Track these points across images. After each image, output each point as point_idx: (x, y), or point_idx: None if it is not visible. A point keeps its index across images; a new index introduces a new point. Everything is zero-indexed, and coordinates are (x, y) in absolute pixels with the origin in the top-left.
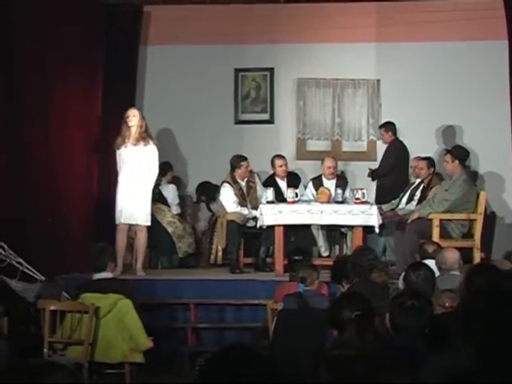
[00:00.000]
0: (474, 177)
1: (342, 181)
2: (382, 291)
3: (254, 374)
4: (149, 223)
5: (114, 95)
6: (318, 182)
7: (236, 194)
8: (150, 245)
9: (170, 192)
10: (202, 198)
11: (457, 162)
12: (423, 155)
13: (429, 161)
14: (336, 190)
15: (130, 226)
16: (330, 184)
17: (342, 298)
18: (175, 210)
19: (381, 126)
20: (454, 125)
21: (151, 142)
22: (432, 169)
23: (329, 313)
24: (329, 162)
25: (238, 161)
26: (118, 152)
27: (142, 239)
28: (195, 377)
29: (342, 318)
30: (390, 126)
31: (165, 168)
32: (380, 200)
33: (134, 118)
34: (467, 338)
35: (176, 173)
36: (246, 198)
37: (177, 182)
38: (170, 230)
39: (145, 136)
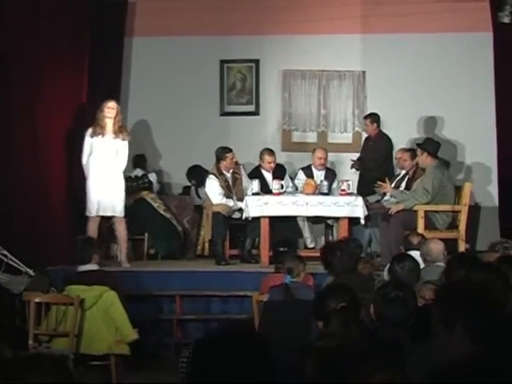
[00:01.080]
0: (446, 165)
1: (330, 173)
2: (368, 282)
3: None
4: (123, 214)
5: (99, 87)
6: (308, 172)
7: (221, 186)
8: (146, 233)
9: (154, 180)
10: (192, 182)
11: (425, 154)
12: (407, 147)
13: (412, 152)
14: (322, 181)
15: (109, 217)
16: (319, 175)
17: (328, 289)
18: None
19: (366, 117)
20: (439, 116)
21: (127, 137)
22: (416, 160)
23: (314, 304)
24: (319, 153)
25: (223, 152)
26: (88, 140)
27: (122, 231)
28: (181, 369)
29: (327, 309)
30: (375, 117)
31: (142, 159)
32: (366, 192)
33: (113, 110)
34: (450, 327)
35: (161, 165)
36: (232, 189)
37: (161, 174)
38: (168, 215)
39: (122, 130)
